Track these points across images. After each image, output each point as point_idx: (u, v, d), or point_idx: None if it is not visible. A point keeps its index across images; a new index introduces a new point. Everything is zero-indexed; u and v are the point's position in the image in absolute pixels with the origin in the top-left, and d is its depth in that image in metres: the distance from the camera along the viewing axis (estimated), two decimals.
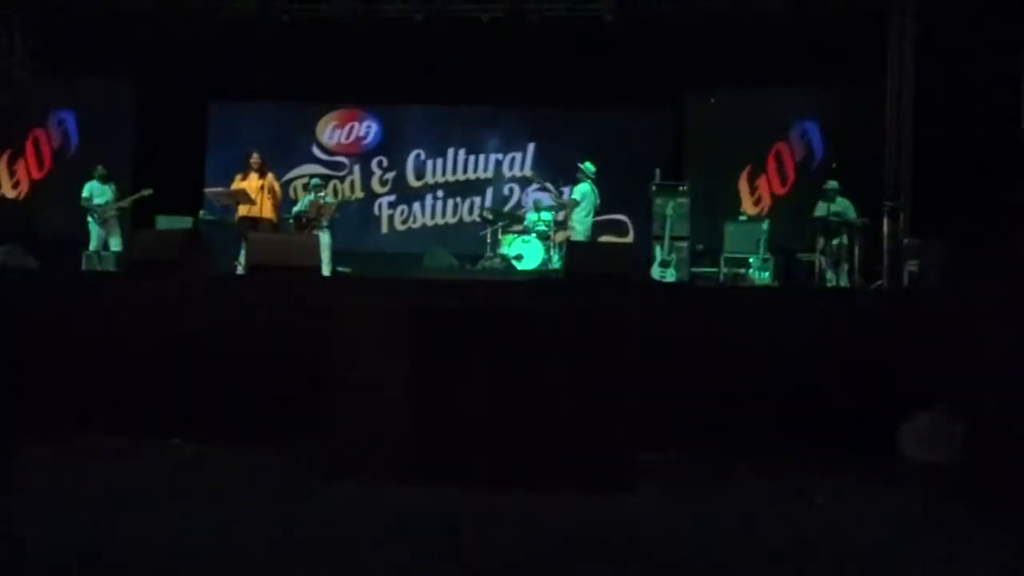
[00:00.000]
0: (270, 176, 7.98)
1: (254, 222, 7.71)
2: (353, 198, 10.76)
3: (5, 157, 10.67)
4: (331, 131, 11.07)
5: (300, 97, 11.20)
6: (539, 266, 8.53)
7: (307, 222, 8.51)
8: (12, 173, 10.70)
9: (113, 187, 8.96)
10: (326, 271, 8.17)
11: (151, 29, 9.81)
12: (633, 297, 4.23)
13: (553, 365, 3.44)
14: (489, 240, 9.30)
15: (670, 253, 8.87)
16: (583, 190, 8.44)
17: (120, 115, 10.21)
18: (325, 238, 8.42)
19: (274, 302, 4.19)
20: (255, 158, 7.92)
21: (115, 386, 4.05)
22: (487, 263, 9.01)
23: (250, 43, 10.04)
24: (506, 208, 10.08)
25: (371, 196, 11.03)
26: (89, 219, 8.77)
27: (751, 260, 8.72)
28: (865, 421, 3.85)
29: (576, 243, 8.15)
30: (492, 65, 9.95)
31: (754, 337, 4.05)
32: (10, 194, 10.65)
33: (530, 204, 9.50)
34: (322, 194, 8.91)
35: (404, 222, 11.07)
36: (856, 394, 3.92)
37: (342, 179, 10.97)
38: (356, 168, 11.02)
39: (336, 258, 8.92)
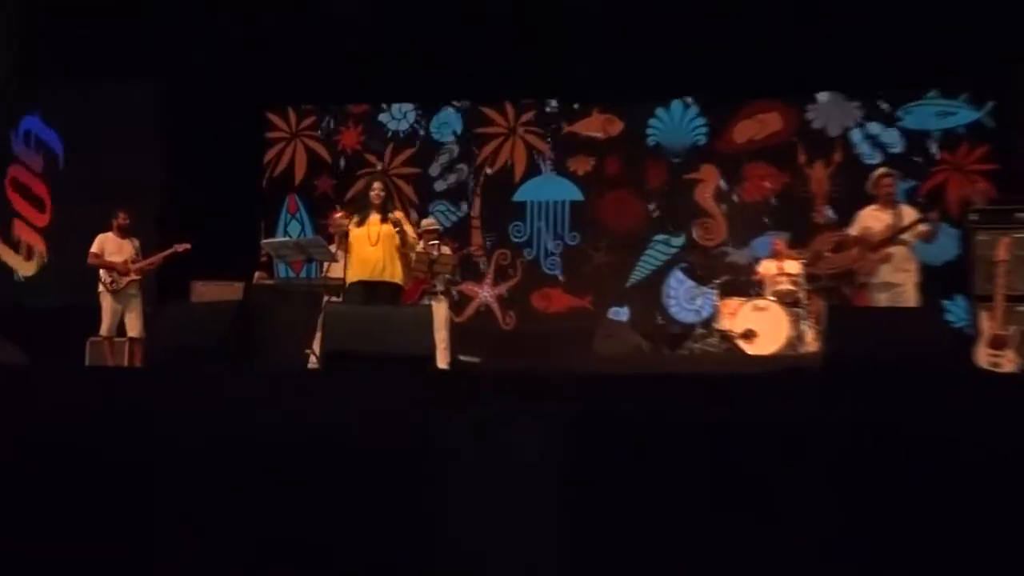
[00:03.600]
0: (398, 216, 7.82)
1: (371, 289, 7.56)
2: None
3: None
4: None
5: (396, 97, 11.94)
6: (783, 349, 8.52)
7: (417, 285, 8.77)
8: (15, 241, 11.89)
9: (137, 242, 9.62)
10: (442, 362, 8.34)
11: (187, 15, 10.70)
12: (944, 400, 4.01)
13: (800, 508, 3.32)
14: (700, 306, 9.29)
15: (1007, 325, 8.40)
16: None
17: (139, 134, 11.15)
18: (441, 309, 8.67)
19: (362, 411, 4.29)
20: (377, 186, 7.80)
21: (137, 533, 4.25)
22: (697, 344, 8.97)
23: (328, 27, 10.75)
24: (732, 255, 10.04)
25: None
26: (100, 287, 9.38)
27: None
28: None
29: (841, 310, 7.88)
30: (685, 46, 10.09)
31: None
32: (25, 270, 11.86)
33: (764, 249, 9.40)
34: (434, 242, 9.13)
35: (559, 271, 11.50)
36: None
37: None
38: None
39: (457, 339, 9.22)
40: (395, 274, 7.62)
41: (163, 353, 5.31)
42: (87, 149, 11.57)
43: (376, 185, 7.80)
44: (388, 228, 7.60)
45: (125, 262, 9.43)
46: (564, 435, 3.53)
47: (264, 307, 8.70)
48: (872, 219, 7.94)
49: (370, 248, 7.54)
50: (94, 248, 9.47)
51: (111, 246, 9.50)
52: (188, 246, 9.44)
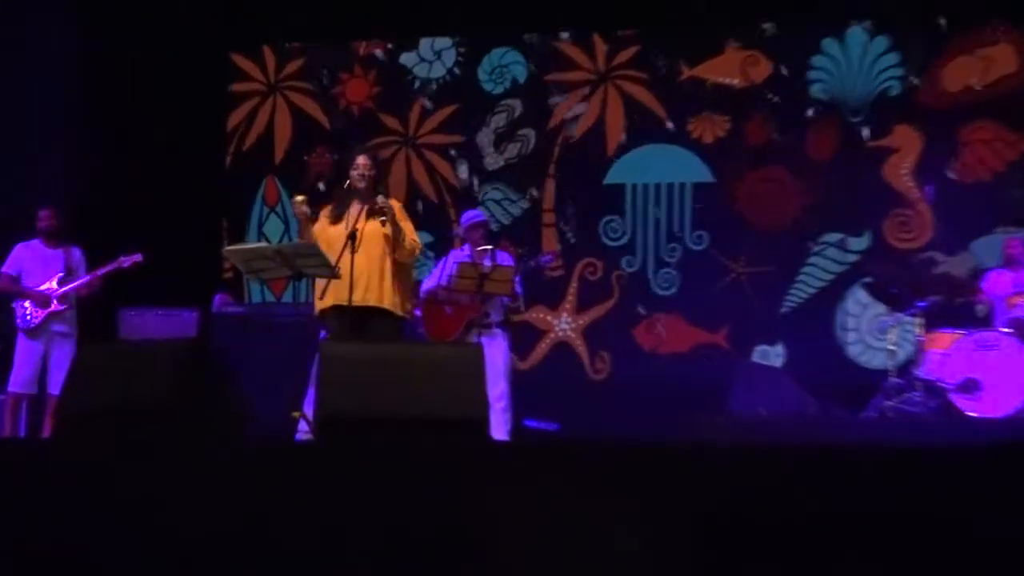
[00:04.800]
0: (389, 202, 7.65)
1: (354, 320, 7.44)
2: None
3: None
4: None
5: (427, 29, 12.07)
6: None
7: (457, 313, 8.86)
8: None
9: (77, 253, 9.65)
10: (500, 431, 8.30)
11: None
12: None
13: None
14: (895, 343, 9.37)
15: None
16: None
17: (42, 92, 11.13)
18: (497, 350, 8.69)
19: (377, 508, 4.30)
20: (362, 163, 7.75)
21: None
22: (890, 402, 8.98)
23: None
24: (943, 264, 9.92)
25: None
26: (21, 323, 9.42)
27: None
28: None
29: None
30: None
31: None
32: None
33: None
34: (486, 248, 9.07)
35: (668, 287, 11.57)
36: None
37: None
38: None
39: (523, 395, 9.18)
40: (384, 295, 7.55)
41: (77, 419, 5.35)
42: None
43: (360, 161, 7.72)
44: (377, 225, 7.48)
45: (45, 287, 9.45)
46: (683, 539, 3.55)
47: (229, 348, 8.77)
48: None
49: (346, 256, 7.34)
50: (6, 265, 9.54)
51: (33, 261, 9.55)
52: (139, 258, 9.41)
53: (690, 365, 11.31)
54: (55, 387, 9.11)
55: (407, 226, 7.60)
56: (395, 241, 7.44)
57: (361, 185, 7.56)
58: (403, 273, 7.62)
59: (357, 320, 7.37)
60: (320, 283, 7.53)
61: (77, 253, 9.56)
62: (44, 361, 9.32)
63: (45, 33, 11.19)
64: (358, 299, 7.37)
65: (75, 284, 9.44)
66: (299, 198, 7.54)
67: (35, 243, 9.52)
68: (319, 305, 7.53)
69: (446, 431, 5.09)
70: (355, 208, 7.53)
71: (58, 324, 9.38)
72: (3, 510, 4.52)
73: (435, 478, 4.39)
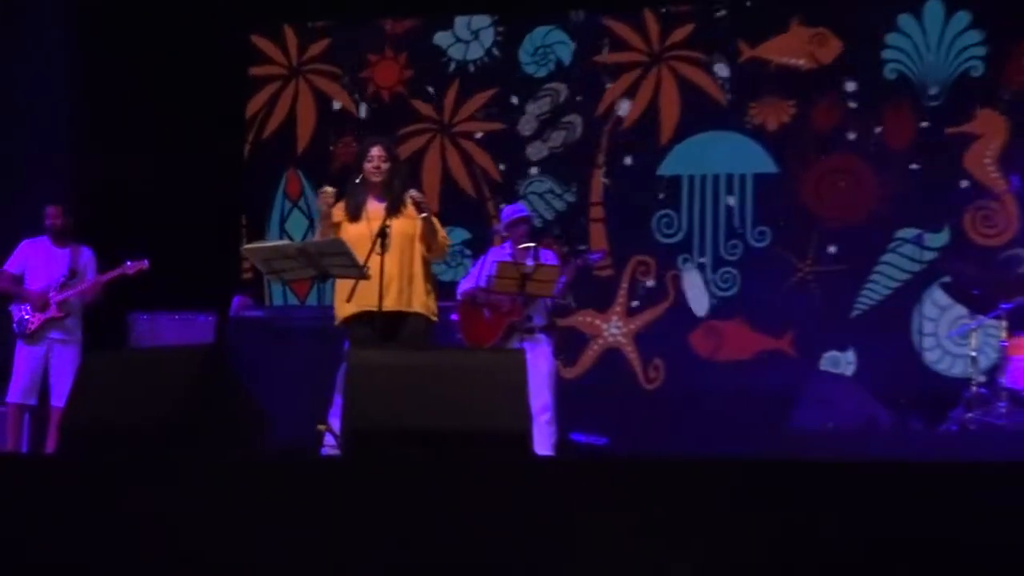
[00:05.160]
0: (420, 197, 7.65)
1: (383, 326, 7.42)
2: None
3: None
4: None
5: (464, 6, 12.04)
6: None
7: (499, 317, 8.86)
8: None
9: (87, 253, 9.68)
10: (544, 445, 8.26)
11: None
12: None
13: None
14: (976, 348, 9.29)
15: None
16: None
17: (51, 83, 11.14)
18: (541, 357, 8.65)
19: (410, 528, 4.28)
20: (376, 154, 7.65)
21: None
22: (971, 413, 8.91)
23: None
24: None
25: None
26: (16, 329, 9.48)
27: None
28: None
29: None
30: None
31: None
32: None
33: None
34: (528, 245, 9.08)
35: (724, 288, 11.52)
36: None
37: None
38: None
39: (569, 406, 9.15)
40: (415, 298, 7.49)
41: (83, 433, 5.34)
42: None
43: (374, 152, 7.61)
44: (404, 223, 7.41)
45: (45, 290, 9.48)
46: (746, 566, 3.48)
47: (248, 356, 8.77)
48: None
49: (374, 257, 7.22)
50: (9, 263, 9.60)
51: (38, 259, 9.61)
52: (145, 264, 9.42)
53: (752, 373, 11.26)
54: (58, 398, 9.12)
55: (436, 221, 7.58)
56: (428, 238, 7.41)
57: (377, 179, 7.49)
58: (431, 272, 7.60)
59: (387, 326, 7.32)
60: (343, 285, 7.42)
61: (86, 253, 9.59)
62: (44, 370, 9.34)
63: (45, 16, 11.23)
64: (389, 304, 7.29)
65: (74, 290, 9.47)
66: (328, 189, 7.43)
67: (42, 241, 9.56)
68: (344, 310, 7.45)
69: (485, 445, 5.03)
70: (372, 204, 7.49)
71: (56, 331, 9.40)
72: (4, 531, 4.52)
73: (473, 496, 4.36)
